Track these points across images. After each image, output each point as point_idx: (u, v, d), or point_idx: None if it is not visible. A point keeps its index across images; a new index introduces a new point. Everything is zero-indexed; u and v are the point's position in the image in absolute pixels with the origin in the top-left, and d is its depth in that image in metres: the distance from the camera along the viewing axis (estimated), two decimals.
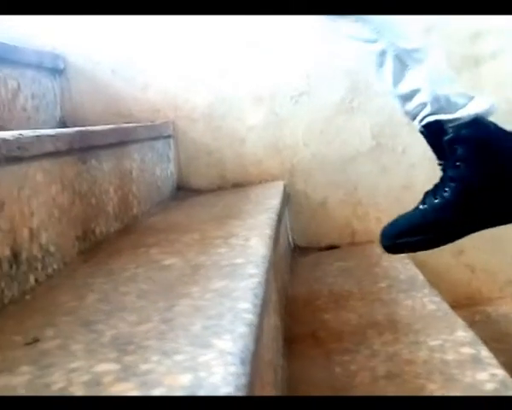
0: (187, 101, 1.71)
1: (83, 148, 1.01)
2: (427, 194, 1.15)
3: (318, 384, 0.88)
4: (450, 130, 1.09)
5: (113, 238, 1.08)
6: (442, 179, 1.13)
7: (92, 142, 1.06)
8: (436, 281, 1.34)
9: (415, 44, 1.10)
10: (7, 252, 0.72)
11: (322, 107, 1.68)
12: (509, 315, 1.57)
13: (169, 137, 1.68)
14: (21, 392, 0.48)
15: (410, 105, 1.12)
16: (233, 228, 1.04)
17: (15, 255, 0.74)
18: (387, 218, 1.16)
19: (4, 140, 0.73)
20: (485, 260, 1.68)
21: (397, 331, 1.01)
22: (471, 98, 1.09)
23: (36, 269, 0.80)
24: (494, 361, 0.87)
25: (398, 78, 1.11)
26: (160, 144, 1.58)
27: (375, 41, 1.09)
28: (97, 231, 1.04)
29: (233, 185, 1.72)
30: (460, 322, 1.03)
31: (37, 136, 0.82)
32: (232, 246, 0.90)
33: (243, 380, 0.43)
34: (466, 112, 1.08)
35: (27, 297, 0.75)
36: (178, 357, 0.50)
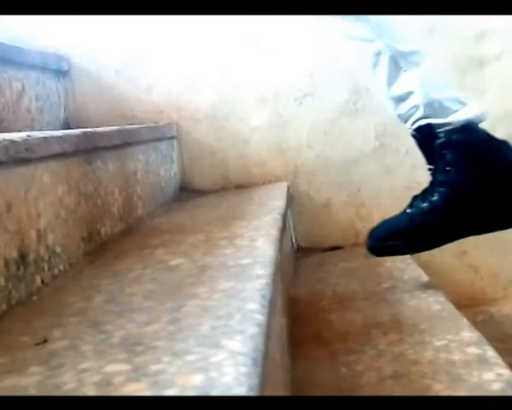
0: (190, 102, 1.71)
1: (88, 149, 1.01)
2: (415, 198, 1.16)
3: (324, 385, 0.88)
4: (442, 134, 1.10)
5: (118, 239, 1.08)
6: (431, 184, 1.14)
7: (97, 143, 1.06)
8: (439, 281, 1.34)
9: (412, 47, 1.10)
10: (14, 254, 0.73)
11: (326, 108, 1.68)
12: None
13: (172, 138, 1.68)
14: (33, 392, 0.48)
15: (403, 107, 1.12)
16: (238, 229, 1.04)
17: (23, 257, 0.74)
18: None
19: (12, 141, 0.73)
20: (489, 260, 1.68)
21: (402, 332, 1.01)
22: (464, 104, 1.10)
23: (42, 270, 0.80)
24: (500, 361, 0.87)
25: (392, 79, 1.11)
26: (163, 145, 1.58)
27: (372, 40, 1.09)
28: (102, 232, 1.05)
29: (236, 186, 1.72)
30: (465, 322, 1.03)
31: (45, 137, 0.82)
32: (238, 247, 0.90)
33: (256, 380, 0.43)
34: (457, 117, 1.09)
35: (34, 298, 0.75)
36: (189, 357, 0.50)
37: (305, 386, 0.88)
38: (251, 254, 0.84)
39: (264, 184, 1.70)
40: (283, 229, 1.16)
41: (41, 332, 0.62)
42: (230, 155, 1.72)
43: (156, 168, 1.48)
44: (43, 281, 0.79)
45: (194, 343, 0.54)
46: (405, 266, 1.37)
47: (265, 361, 0.50)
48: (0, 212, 0.70)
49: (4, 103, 1.37)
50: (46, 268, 0.81)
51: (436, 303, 1.12)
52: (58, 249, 0.85)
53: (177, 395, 0.43)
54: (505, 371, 0.83)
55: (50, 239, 0.83)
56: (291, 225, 1.69)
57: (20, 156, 0.75)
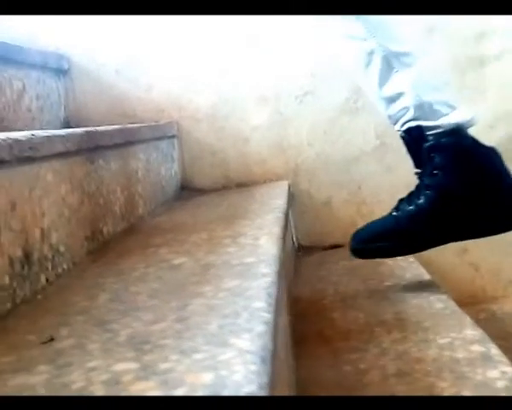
0: (191, 101, 1.71)
1: (91, 148, 1.01)
2: (401, 201, 1.15)
3: (327, 383, 0.88)
4: (431, 137, 1.10)
5: (121, 238, 1.08)
6: (418, 187, 1.14)
7: (100, 142, 1.06)
8: (440, 280, 1.34)
9: (405, 48, 1.10)
10: (19, 253, 0.72)
11: (327, 107, 1.68)
12: None
13: (173, 137, 1.68)
14: (41, 391, 0.48)
15: (394, 108, 1.12)
16: (241, 227, 1.04)
17: (27, 256, 0.74)
18: None
19: (16, 140, 0.73)
20: (490, 258, 1.68)
21: (405, 330, 1.01)
22: (454, 108, 1.10)
23: (47, 269, 0.80)
24: (504, 359, 0.87)
25: (384, 79, 1.11)
26: (164, 144, 1.58)
27: (365, 39, 1.09)
28: (105, 231, 1.05)
29: (237, 185, 1.72)
30: (468, 320, 1.03)
31: (48, 136, 0.82)
32: (241, 245, 0.90)
33: (265, 379, 0.43)
34: (447, 120, 1.09)
35: (39, 297, 0.75)
36: (197, 356, 0.50)
37: (309, 384, 0.88)
38: (254, 253, 0.84)
39: (264, 182, 1.70)
40: (286, 227, 1.16)
41: (47, 331, 0.62)
42: (231, 153, 1.72)
43: (157, 167, 1.48)
44: (47, 280, 0.79)
45: (202, 342, 0.53)
46: (407, 265, 1.37)
47: (274, 360, 0.50)
48: (4, 211, 0.70)
49: (5, 102, 1.37)
50: (50, 267, 0.81)
51: (439, 301, 1.12)
52: (62, 248, 0.85)
53: (188, 393, 0.43)
54: (509, 369, 0.83)
55: (54, 238, 0.83)
56: (292, 223, 1.69)
57: (25, 155, 0.75)
